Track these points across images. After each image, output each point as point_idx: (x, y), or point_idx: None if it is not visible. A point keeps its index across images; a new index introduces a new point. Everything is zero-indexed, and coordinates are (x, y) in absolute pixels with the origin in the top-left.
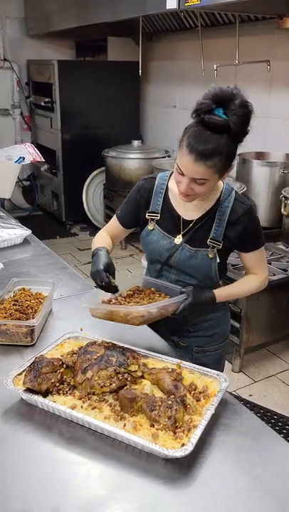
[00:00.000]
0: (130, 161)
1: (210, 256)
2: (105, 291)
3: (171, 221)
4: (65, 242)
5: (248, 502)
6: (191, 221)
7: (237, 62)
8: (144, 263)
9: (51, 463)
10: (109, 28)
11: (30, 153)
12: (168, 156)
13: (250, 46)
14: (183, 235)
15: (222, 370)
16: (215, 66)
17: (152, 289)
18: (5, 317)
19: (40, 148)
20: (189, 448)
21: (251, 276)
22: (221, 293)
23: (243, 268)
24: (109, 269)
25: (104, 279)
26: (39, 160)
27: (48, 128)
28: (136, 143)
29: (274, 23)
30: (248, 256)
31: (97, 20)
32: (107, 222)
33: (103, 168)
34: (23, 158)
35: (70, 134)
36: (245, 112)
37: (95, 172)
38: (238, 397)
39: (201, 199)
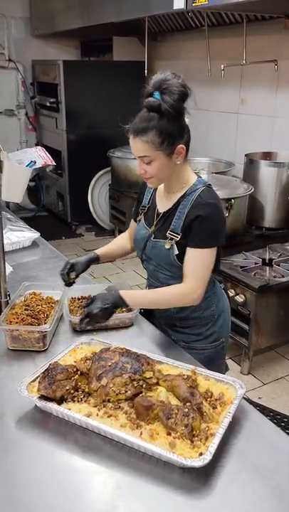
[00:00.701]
0: (136, 161)
1: (166, 247)
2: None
3: (151, 213)
4: (70, 243)
5: (268, 511)
6: (161, 213)
7: (244, 62)
8: None
9: (66, 471)
10: (115, 27)
11: (42, 157)
12: None
13: (257, 46)
14: (154, 226)
15: (221, 370)
16: (222, 66)
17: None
18: (17, 322)
19: (46, 148)
20: (208, 457)
21: (176, 285)
22: (134, 295)
23: None
24: (74, 266)
25: (60, 270)
26: (50, 163)
27: (53, 128)
28: None
29: (281, 23)
30: (189, 252)
31: (102, 20)
32: (112, 223)
33: (109, 169)
34: (35, 162)
35: (75, 135)
36: (177, 91)
37: (101, 172)
38: (248, 400)
39: (170, 191)
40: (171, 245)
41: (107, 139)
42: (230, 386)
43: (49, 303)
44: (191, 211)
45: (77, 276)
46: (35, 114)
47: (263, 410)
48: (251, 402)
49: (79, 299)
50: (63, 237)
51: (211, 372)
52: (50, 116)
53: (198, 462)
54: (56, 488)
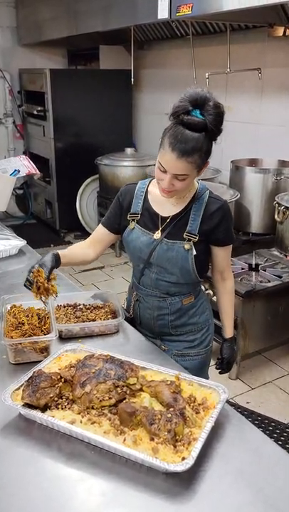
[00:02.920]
0: (124, 168)
1: (186, 247)
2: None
3: (149, 219)
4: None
5: None
6: (168, 218)
7: (229, 70)
8: None
9: (51, 479)
10: (101, 36)
11: (26, 166)
12: None
13: (241, 54)
14: (162, 231)
15: (205, 375)
16: (207, 74)
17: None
18: (21, 335)
19: (33, 156)
20: (190, 462)
21: (226, 284)
22: (229, 327)
23: (213, 271)
24: (43, 264)
25: (28, 274)
26: (34, 172)
27: (40, 136)
28: (129, 150)
29: (265, 32)
30: (221, 251)
31: (89, 29)
32: None
33: (96, 176)
34: (18, 171)
35: (62, 142)
36: (218, 112)
37: (89, 180)
38: (236, 405)
39: (178, 197)
40: (190, 246)
41: (94, 147)
42: (213, 391)
43: (34, 314)
44: (206, 211)
45: (50, 273)
46: (22, 122)
47: (251, 415)
48: (239, 407)
49: (64, 307)
50: (52, 245)
51: (195, 378)
52: (37, 125)
53: (180, 467)
54: (41, 497)
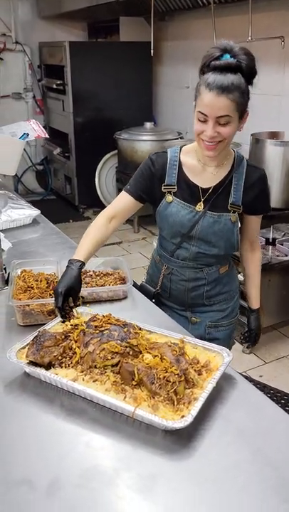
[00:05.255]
0: (143, 143)
1: (232, 220)
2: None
3: (188, 191)
4: (77, 226)
5: (248, 474)
6: (209, 189)
7: (250, 38)
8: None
9: (51, 433)
10: (121, 7)
11: (35, 130)
12: (181, 138)
13: (263, 23)
14: (204, 203)
15: (231, 345)
16: None
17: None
18: (30, 297)
19: (53, 131)
20: (189, 419)
21: (254, 255)
22: (256, 298)
23: (242, 240)
24: (70, 292)
25: (58, 303)
26: (43, 136)
27: (60, 111)
28: (148, 125)
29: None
30: (255, 220)
31: None
32: None
33: (116, 152)
34: (27, 135)
35: (82, 117)
36: (249, 53)
37: (108, 155)
38: (248, 378)
39: (217, 165)
40: (236, 218)
41: (114, 121)
42: (217, 354)
43: (39, 280)
44: (247, 181)
45: (77, 299)
46: (42, 97)
47: (264, 388)
48: (252, 380)
49: None
50: (71, 220)
51: (200, 341)
52: (57, 99)
53: (179, 424)
54: (41, 449)
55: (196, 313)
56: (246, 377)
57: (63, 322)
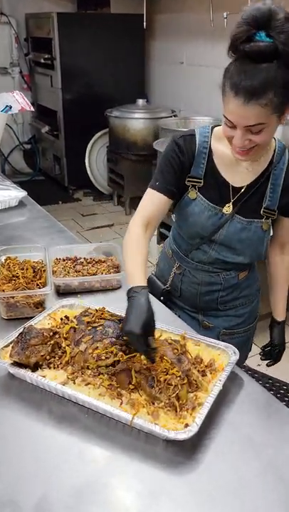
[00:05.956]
0: (135, 121)
1: (264, 228)
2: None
3: (216, 188)
4: (67, 208)
5: (260, 490)
6: (241, 188)
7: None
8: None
9: (39, 444)
10: None
11: (19, 102)
12: (174, 116)
13: None
14: (233, 204)
15: (248, 351)
16: (225, 14)
17: None
18: (14, 288)
19: (41, 109)
20: (194, 429)
21: (285, 261)
22: (282, 308)
23: (272, 243)
24: (148, 331)
25: (143, 347)
26: (28, 109)
27: (48, 87)
28: (141, 102)
29: None
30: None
31: None
32: (111, 187)
33: (106, 130)
34: (10, 107)
35: (71, 93)
36: None
37: (98, 134)
38: (246, 367)
39: (253, 160)
40: (269, 226)
41: (104, 98)
42: (222, 352)
43: (24, 268)
44: (287, 180)
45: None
46: (29, 72)
47: (262, 378)
48: (249, 369)
49: (64, 260)
50: (60, 202)
51: (202, 337)
52: (45, 74)
53: (182, 435)
54: (26, 464)
55: (209, 317)
56: (244, 367)
57: (153, 363)
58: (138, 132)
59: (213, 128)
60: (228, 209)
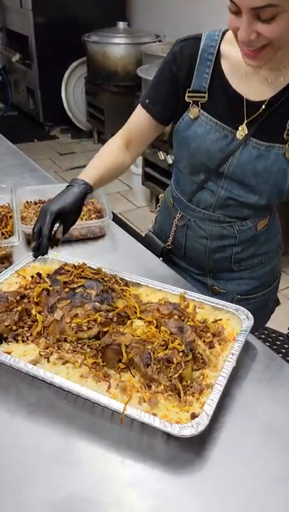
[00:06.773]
0: (115, 46)
1: (287, 156)
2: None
3: (226, 104)
4: (43, 146)
5: (281, 494)
6: (260, 103)
7: None
8: (135, 169)
9: (8, 438)
10: None
11: None
12: (159, 41)
13: None
14: (248, 125)
15: (269, 314)
16: None
17: None
18: None
19: (10, 34)
20: (203, 421)
21: None
22: None
23: None
24: (62, 217)
25: (44, 224)
26: None
27: (17, 8)
28: (122, 25)
29: None
30: None
31: None
32: (90, 122)
33: (84, 59)
34: None
35: (44, 16)
36: None
37: (75, 63)
38: (276, 332)
39: (274, 68)
40: None
41: (81, 21)
42: (232, 316)
43: None
44: None
45: (66, 231)
46: None
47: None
48: (281, 335)
49: (36, 204)
50: (35, 140)
51: (206, 298)
52: None
53: (189, 430)
54: None
55: (220, 280)
56: (274, 332)
57: (36, 257)
58: (119, 60)
59: (225, 31)
60: (242, 131)
